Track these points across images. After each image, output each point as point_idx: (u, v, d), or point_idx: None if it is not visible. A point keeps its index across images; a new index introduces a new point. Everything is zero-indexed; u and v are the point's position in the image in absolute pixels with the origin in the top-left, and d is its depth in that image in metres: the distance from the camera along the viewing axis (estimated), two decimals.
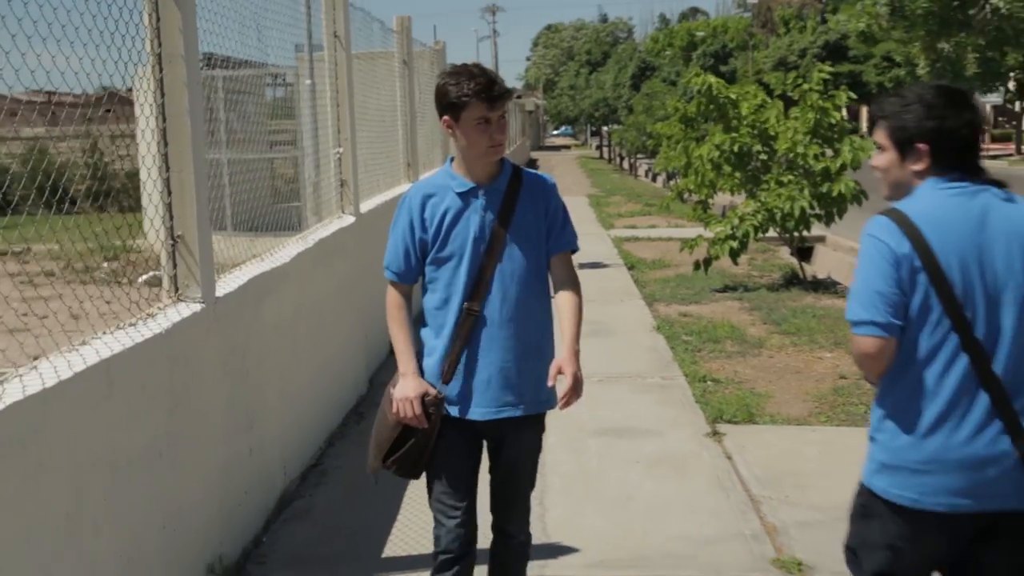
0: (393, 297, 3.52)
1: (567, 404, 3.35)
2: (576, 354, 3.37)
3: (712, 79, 12.58)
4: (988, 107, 52.50)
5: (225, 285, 4.65)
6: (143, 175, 4.24)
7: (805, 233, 12.90)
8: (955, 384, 2.72)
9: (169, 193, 4.22)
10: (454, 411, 3.43)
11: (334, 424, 6.57)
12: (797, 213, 11.84)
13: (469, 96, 3.25)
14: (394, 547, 4.85)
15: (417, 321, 3.50)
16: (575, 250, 3.55)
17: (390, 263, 3.51)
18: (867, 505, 2.90)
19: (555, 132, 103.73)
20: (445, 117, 3.35)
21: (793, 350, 9.17)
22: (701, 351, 9.05)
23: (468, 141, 3.33)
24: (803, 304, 11.35)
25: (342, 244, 7.07)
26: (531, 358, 3.43)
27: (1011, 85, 44.55)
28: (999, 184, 2.84)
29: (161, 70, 4.18)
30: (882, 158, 2.88)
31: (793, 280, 13.06)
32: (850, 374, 8.19)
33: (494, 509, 3.60)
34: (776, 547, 4.78)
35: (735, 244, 11.78)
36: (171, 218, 4.23)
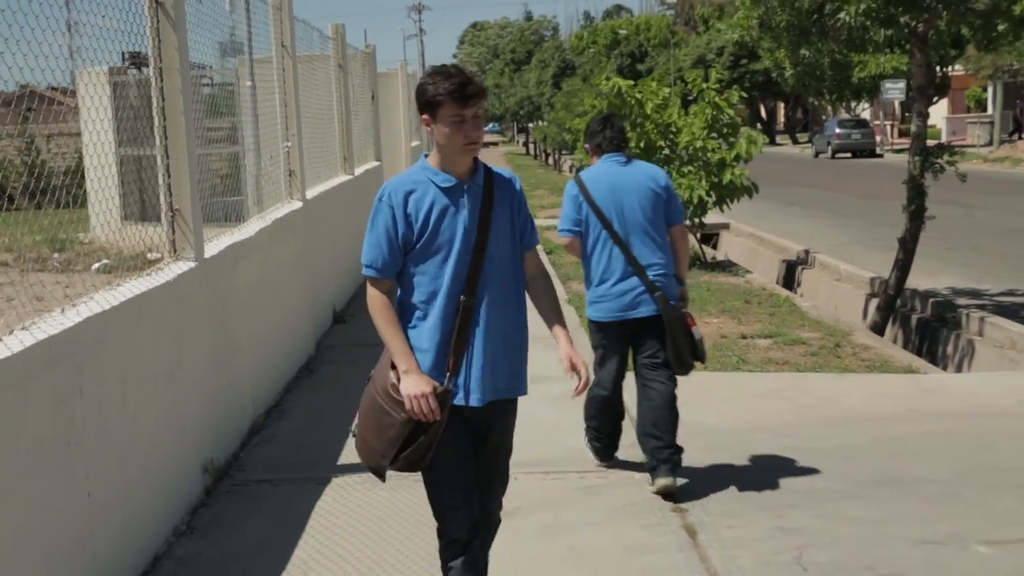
0: (377, 296, 3.51)
1: (580, 393, 3.71)
2: (567, 335, 3.68)
3: (621, 82, 13.93)
4: (896, 103, 54.59)
5: (209, 250, 5.86)
6: (89, 169, 4.88)
7: (710, 221, 14.29)
8: (615, 257, 5.43)
9: (168, 176, 5.42)
10: (458, 400, 3.51)
11: (290, 375, 7.79)
12: (696, 200, 13.26)
13: (443, 95, 3.35)
14: (345, 459, 6.06)
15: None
16: (538, 242, 3.79)
17: (372, 261, 3.51)
18: (591, 329, 5.69)
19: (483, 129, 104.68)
20: (424, 115, 3.46)
21: None
22: None
23: (445, 138, 3.42)
24: (700, 281, 12.76)
25: (293, 224, 8.27)
26: (513, 344, 3.58)
27: (912, 82, 46.85)
28: (629, 159, 5.73)
29: (161, 80, 5.38)
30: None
31: (695, 262, 14.46)
32: (730, 334, 9.60)
33: (478, 489, 3.64)
34: None
35: None
36: (170, 195, 5.43)
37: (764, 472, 5.72)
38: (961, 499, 5.32)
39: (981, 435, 6.43)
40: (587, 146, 5.81)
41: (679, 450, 5.41)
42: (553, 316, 3.67)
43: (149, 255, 5.88)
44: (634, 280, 5.38)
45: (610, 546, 4.78)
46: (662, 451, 5.32)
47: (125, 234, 8.32)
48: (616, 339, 5.57)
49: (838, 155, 45.01)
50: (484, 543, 3.70)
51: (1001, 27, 9.31)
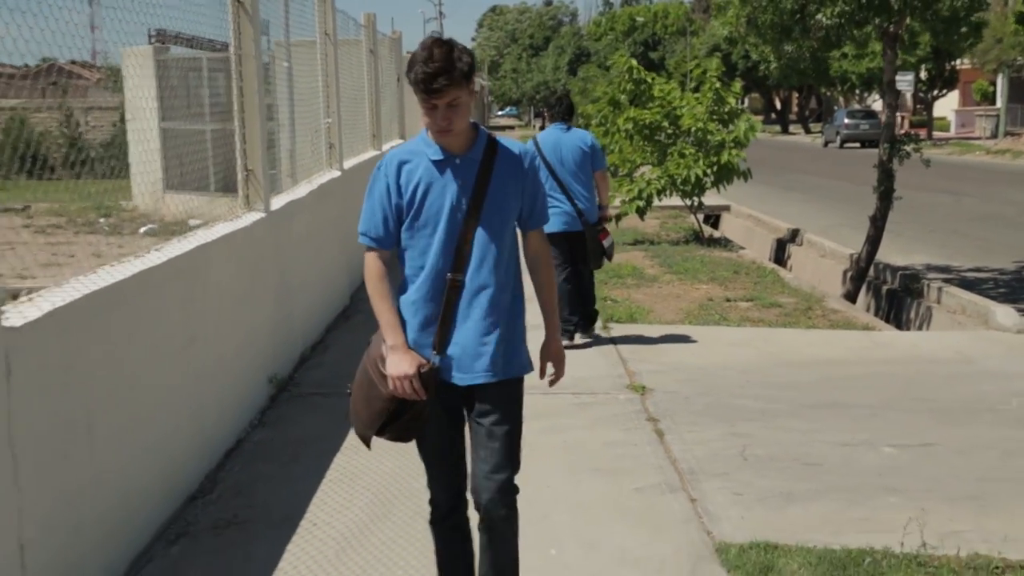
0: (372, 266, 3.50)
1: (555, 383, 3.77)
2: (559, 330, 3.73)
3: (633, 62, 15.16)
4: (908, 95, 55.49)
5: (274, 204, 7.12)
6: (132, 142, 5.74)
7: (713, 203, 15.43)
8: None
9: (244, 142, 6.67)
10: (443, 377, 3.48)
11: (329, 319, 9.06)
12: (693, 179, 14.48)
13: (413, 83, 3.31)
14: None
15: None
16: (547, 222, 3.73)
17: (367, 229, 3.49)
18: None
19: (500, 112, 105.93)
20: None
21: (678, 283, 11.78)
22: (607, 284, 11.60)
23: (423, 118, 3.40)
24: (696, 254, 13.98)
25: (332, 190, 9.53)
26: (506, 324, 3.49)
27: (923, 75, 47.88)
28: (569, 127, 8.21)
29: (240, 64, 6.62)
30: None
31: (694, 238, 15.69)
32: (716, 297, 10.84)
33: (473, 482, 3.58)
34: (630, 379, 7.35)
35: (641, 203, 14.44)
36: (245, 158, 6.69)
37: (726, 397, 6.97)
38: (882, 418, 6.55)
39: (913, 376, 7.67)
40: (545, 113, 8.48)
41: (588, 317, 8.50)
42: (545, 303, 3.68)
43: (190, 222, 6.73)
44: (568, 206, 8.05)
45: (595, 441, 6.04)
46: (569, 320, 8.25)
47: (167, 202, 9.46)
48: (561, 245, 7.95)
49: (847, 144, 46.04)
50: (490, 545, 3.63)
51: (963, 29, 10.49)
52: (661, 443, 6.00)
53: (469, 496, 3.61)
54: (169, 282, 4.90)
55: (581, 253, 8.24)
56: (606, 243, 8.34)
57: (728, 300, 10.73)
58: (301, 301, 7.80)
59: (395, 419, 3.45)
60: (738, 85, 15.12)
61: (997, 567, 4.28)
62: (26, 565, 3.41)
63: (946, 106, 57.01)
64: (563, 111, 8.28)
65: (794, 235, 16.37)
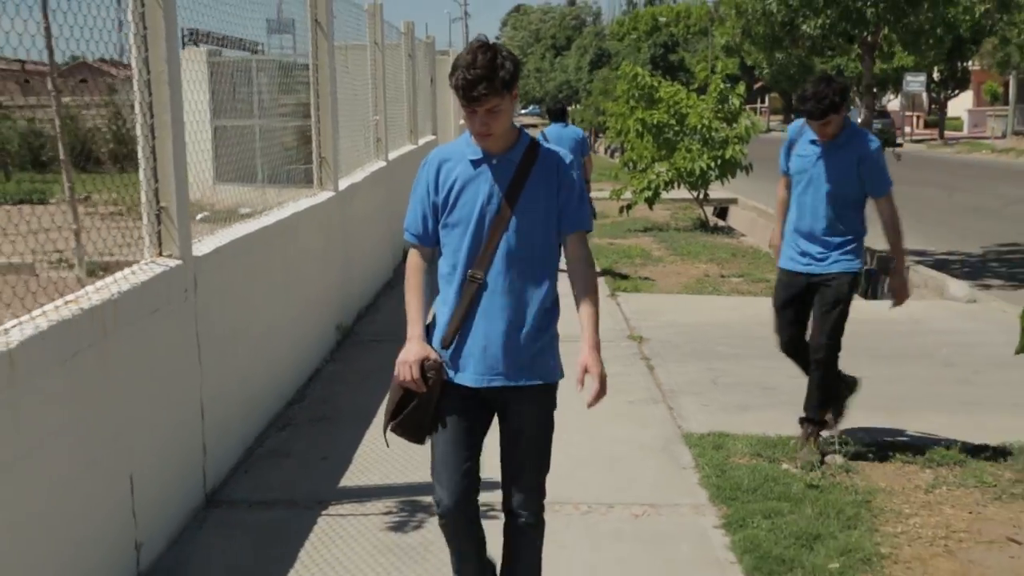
0: (412, 260, 3.55)
1: (595, 403, 3.45)
2: (598, 348, 3.46)
3: (638, 69, 16.72)
4: (924, 95, 56.65)
5: (341, 185, 8.72)
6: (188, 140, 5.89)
7: (721, 196, 16.89)
8: None
9: (319, 134, 8.28)
10: (454, 377, 3.45)
11: (378, 287, 10.68)
12: (698, 171, 16.02)
13: (454, 87, 3.31)
14: None
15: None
16: (589, 230, 3.60)
17: (409, 225, 3.55)
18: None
19: (523, 111, 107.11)
20: None
21: (680, 263, 13.36)
22: (618, 263, 13.19)
23: (465, 120, 3.41)
24: (700, 240, 15.53)
25: (380, 178, 11.14)
26: (533, 330, 3.43)
27: (935, 75, 49.11)
28: (567, 124, 11.72)
29: (317, 72, 8.23)
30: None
31: (700, 227, 17.24)
32: (712, 274, 12.40)
33: (503, 485, 3.58)
34: (631, 331, 8.93)
35: (650, 194, 16.01)
36: (320, 147, 8.30)
37: (707, 345, 8.54)
38: None
39: (867, 333, 9.18)
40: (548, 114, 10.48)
41: None
42: (583, 313, 3.48)
43: (240, 210, 7.50)
44: None
45: None
46: None
47: (217, 192, 10.91)
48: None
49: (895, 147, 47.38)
50: (516, 553, 3.65)
51: (931, 40, 12.00)
52: (651, 374, 7.57)
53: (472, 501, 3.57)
54: (275, 239, 6.51)
55: None
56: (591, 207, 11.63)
57: (723, 276, 12.30)
58: (358, 267, 9.41)
59: (400, 412, 3.46)
60: (742, 87, 16.64)
61: (889, 453, 5.84)
62: (205, 420, 5.02)
63: (961, 106, 58.23)
64: (559, 115, 12.02)
65: None
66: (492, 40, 3.38)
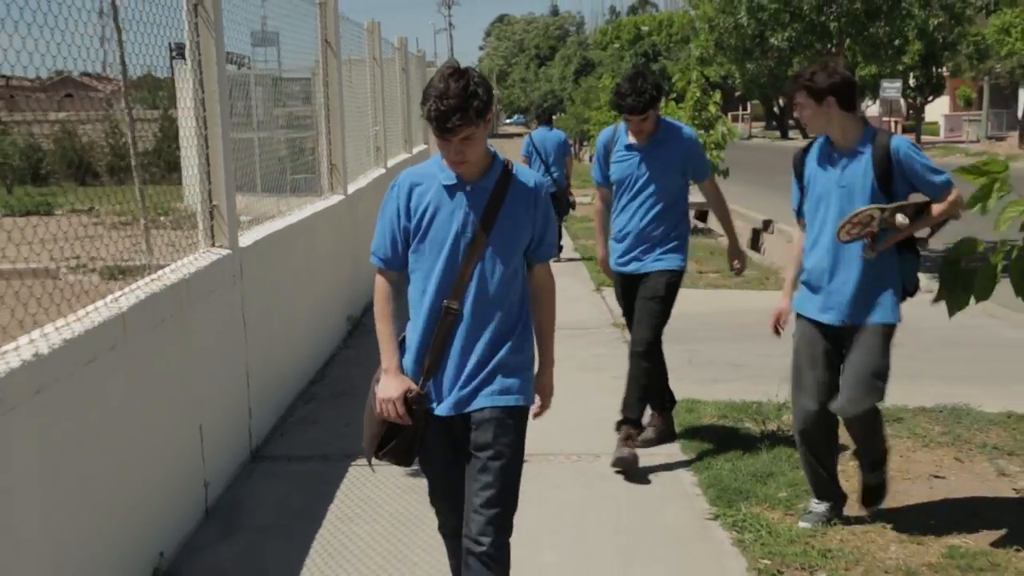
0: (381, 287, 3.51)
1: (539, 415, 3.59)
2: (551, 365, 3.60)
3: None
4: (902, 102, 57.71)
5: (350, 189, 9.58)
6: (184, 153, 6.14)
7: (701, 200, 17.70)
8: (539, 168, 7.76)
9: (330, 144, 9.14)
10: (436, 408, 3.42)
11: None
12: None
13: (426, 118, 3.26)
14: None
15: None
16: (557, 258, 4.53)
17: (376, 249, 3.49)
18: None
19: (508, 121, 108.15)
20: None
21: None
22: None
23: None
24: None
25: (381, 183, 12.00)
26: (507, 356, 3.40)
27: (911, 81, 50.22)
28: (551, 128, 13.93)
29: (326, 87, 9.09)
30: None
31: None
32: (690, 271, 13.24)
33: (465, 513, 3.43)
34: (615, 320, 9.81)
35: None
36: (330, 154, 9.16)
37: (684, 330, 9.38)
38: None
39: None
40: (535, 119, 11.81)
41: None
42: (542, 336, 3.60)
43: (242, 218, 8.85)
44: (548, 178, 11.81)
45: (586, 353, 8.49)
46: None
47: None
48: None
49: None
50: (482, 572, 3.39)
51: (890, 51, 12.96)
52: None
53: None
54: (298, 236, 7.37)
55: (556, 208, 10.96)
56: (571, 199, 13.96)
57: (700, 272, 13.19)
58: (365, 265, 10.24)
59: (388, 443, 3.45)
60: (718, 95, 17.56)
61: None
62: (250, 387, 5.88)
63: (938, 111, 59.39)
64: (546, 119, 14.38)
65: (767, 224, 18.83)
66: (466, 66, 3.34)
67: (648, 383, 5.93)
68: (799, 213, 4.94)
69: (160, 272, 4.84)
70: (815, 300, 4.77)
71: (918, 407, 6.79)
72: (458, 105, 3.17)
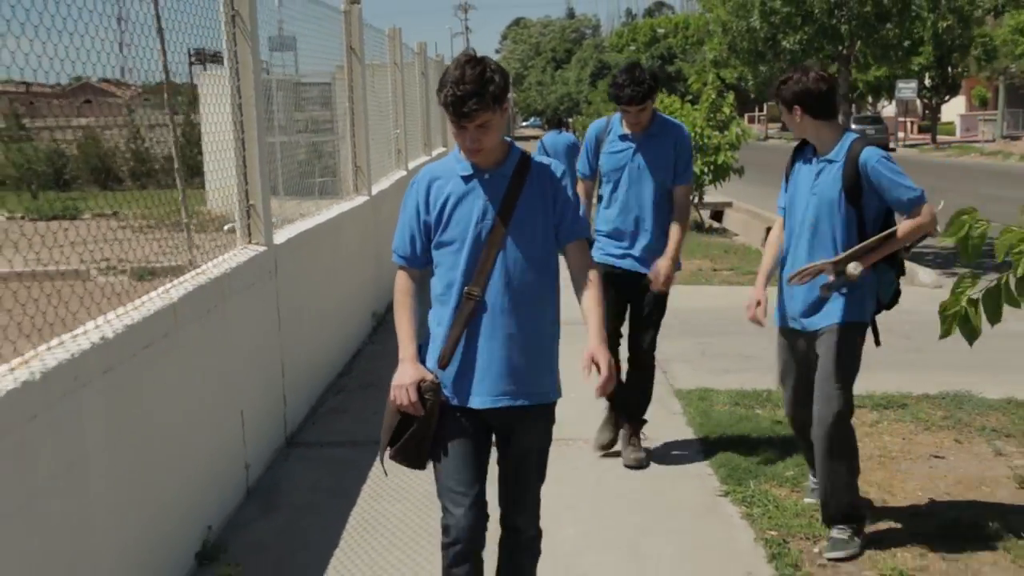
0: (401, 282, 3.49)
1: (604, 392, 3.37)
2: (605, 341, 3.36)
3: None
4: (918, 102, 57.86)
5: (375, 190, 9.92)
6: (208, 154, 6.04)
7: (718, 200, 18.08)
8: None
9: (355, 147, 9.48)
10: (454, 399, 3.38)
11: None
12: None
13: (442, 104, 3.26)
14: None
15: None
16: (589, 239, 3.57)
17: (397, 247, 3.48)
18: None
19: (524, 123, 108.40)
20: None
21: None
22: None
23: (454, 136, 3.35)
24: (695, 240, 16.69)
25: (402, 185, 12.34)
26: (534, 348, 3.37)
27: (927, 81, 50.36)
28: (561, 132, 13.95)
29: (352, 92, 9.43)
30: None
31: (696, 228, 18.43)
32: (705, 268, 13.59)
33: (502, 503, 3.52)
34: None
35: None
36: (355, 157, 9.50)
37: (698, 325, 9.73)
38: None
39: None
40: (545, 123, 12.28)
41: None
42: (591, 314, 3.41)
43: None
44: None
45: None
46: None
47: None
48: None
49: None
50: (519, 567, 3.61)
51: (899, 52, 13.23)
52: None
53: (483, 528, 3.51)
54: (327, 235, 7.71)
55: None
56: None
57: (715, 270, 13.49)
58: (388, 263, 10.57)
59: (399, 437, 3.41)
60: (731, 96, 17.86)
61: None
62: (285, 377, 6.22)
63: (954, 111, 59.48)
64: (556, 124, 15.01)
65: None
66: (482, 55, 3.34)
67: (650, 385, 6.03)
68: (782, 209, 4.85)
69: (204, 266, 5.17)
70: (783, 307, 4.78)
71: (922, 394, 7.07)
72: (474, 90, 3.17)
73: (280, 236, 6.46)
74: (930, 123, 53.18)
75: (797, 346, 4.79)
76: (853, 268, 4.40)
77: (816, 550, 4.65)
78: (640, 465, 5.82)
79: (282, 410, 6.19)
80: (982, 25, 14.94)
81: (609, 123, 5.83)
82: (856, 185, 4.44)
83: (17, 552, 3.02)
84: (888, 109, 60.00)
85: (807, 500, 5.15)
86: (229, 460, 5.17)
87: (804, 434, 4.88)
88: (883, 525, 4.89)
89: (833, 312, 4.55)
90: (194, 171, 11.26)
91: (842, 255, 4.44)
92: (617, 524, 5.04)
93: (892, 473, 5.59)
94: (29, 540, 3.10)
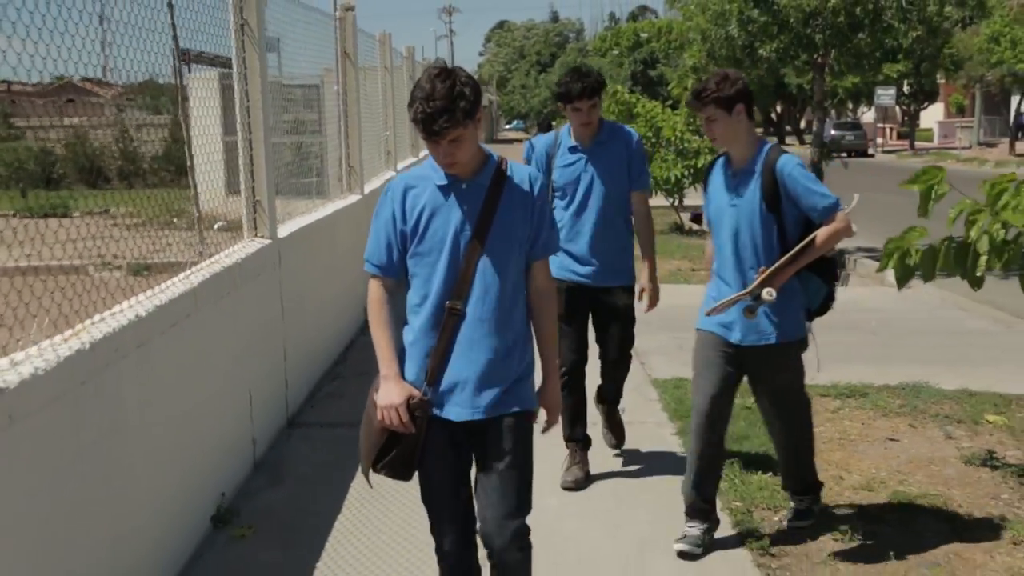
0: (375, 293, 3.40)
1: (547, 430, 3.58)
2: (556, 381, 3.52)
3: (618, 87, 18.45)
4: (897, 109, 58.59)
5: (367, 189, 10.35)
6: (197, 154, 6.46)
7: (697, 203, 18.53)
8: None
9: (348, 147, 9.91)
10: (437, 411, 3.34)
11: None
12: (673, 179, 17.71)
13: (413, 120, 3.21)
14: None
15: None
16: (556, 252, 3.56)
17: (370, 255, 3.40)
18: None
19: (507, 126, 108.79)
20: None
21: (657, 260, 15.02)
22: None
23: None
24: (675, 241, 17.23)
25: None
26: (509, 358, 3.35)
27: (905, 88, 51.08)
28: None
29: (346, 95, 9.86)
30: None
31: (676, 229, 18.93)
32: (684, 268, 14.07)
33: (483, 522, 3.40)
34: None
35: None
36: (348, 157, 9.93)
37: (675, 321, 10.17)
38: None
39: None
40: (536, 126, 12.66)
41: None
42: (544, 344, 3.52)
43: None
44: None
45: None
46: None
47: (228, 204, 12.41)
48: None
49: (834, 154, 49.22)
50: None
51: (871, 62, 13.77)
52: None
53: (478, 539, 3.49)
54: (324, 230, 8.15)
55: None
56: None
57: (693, 270, 13.97)
58: None
59: (387, 454, 3.36)
60: None
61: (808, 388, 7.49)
62: (287, 362, 6.65)
63: (933, 118, 60.27)
64: (545, 127, 14.15)
65: None
66: (453, 66, 3.28)
67: (622, 378, 6.07)
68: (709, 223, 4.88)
69: (216, 256, 5.60)
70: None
71: (883, 385, 7.55)
72: (444, 107, 3.11)
73: (282, 231, 6.88)
74: (908, 129, 53.91)
75: (721, 348, 4.82)
76: (767, 295, 4.40)
77: (776, 518, 5.11)
78: (616, 445, 6.15)
79: (284, 393, 6.61)
80: (950, 36, 15.52)
81: (557, 137, 5.68)
82: (774, 194, 4.48)
83: (69, 501, 3.44)
84: (868, 115, 60.69)
85: (679, 547, 4.76)
86: (239, 434, 5.60)
87: (708, 440, 4.81)
88: (839, 498, 5.36)
89: (771, 331, 4.62)
90: (180, 171, 11.61)
91: (753, 283, 4.46)
92: (596, 495, 5.50)
93: (850, 453, 6.06)
94: (80, 491, 3.53)
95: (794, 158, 4.56)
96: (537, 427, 3.51)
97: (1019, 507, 5.23)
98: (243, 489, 5.53)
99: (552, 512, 5.22)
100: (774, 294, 4.40)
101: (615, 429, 6.24)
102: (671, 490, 5.51)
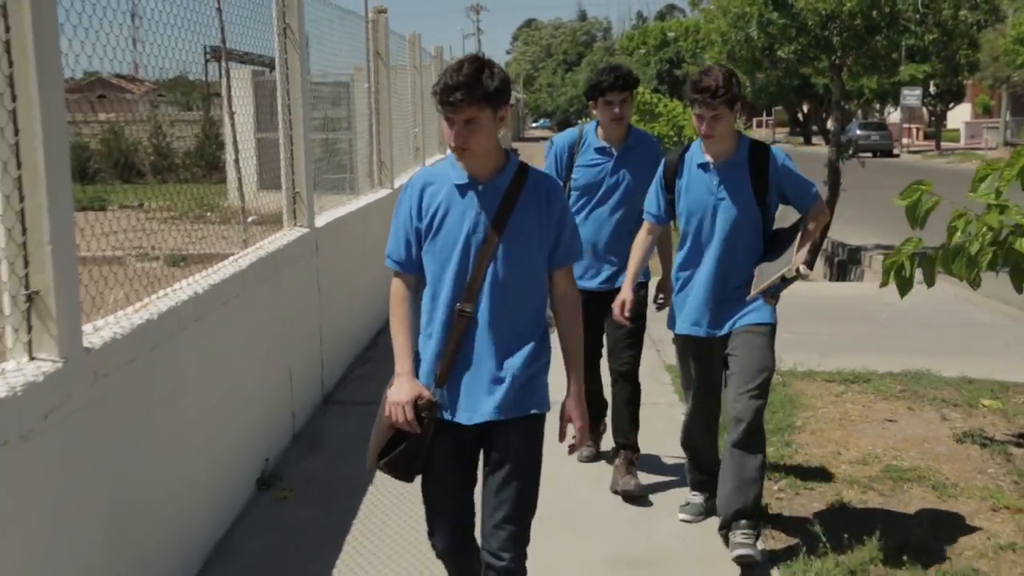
0: (396, 289, 3.41)
1: (574, 452, 3.51)
2: (581, 394, 3.39)
3: (641, 88, 18.87)
4: (924, 110, 58.59)
5: (396, 183, 10.81)
6: (230, 149, 6.44)
7: None
8: None
9: (379, 143, 10.36)
10: (446, 415, 3.31)
11: None
12: None
13: (433, 94, 3.20)
14: None
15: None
16: (580, 259, 3.49)
17: (391, 251, 3.40)
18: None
19: (534, 124, 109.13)
20: None
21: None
22: None
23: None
24: None
25: None
26: (524, 363, 3.30)
27: (932, 89, 51.13)
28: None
29: (377, 94, 10.32)
30: None
31: None
32: None
33: (483, 525, 3.37)
34: None
35: None
36: (379, 152, 10.39)
37: None
38: (794, 321, 10.10)
39: (828, 304, 11.27)
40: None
41: None
42: (568, 354, 3.44)
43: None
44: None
45: None
46: None
47: (260, 199, 12.81)
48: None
49: (859, 154, 49.36)
50: None
51: (887, 63, 14.14)
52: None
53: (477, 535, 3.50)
54: (358, 221, 8.61)
55: None
56: None
57: None
58: None
59: (391, 450, 3.34)
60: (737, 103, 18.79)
61: (814, 373, 7.89)
62: (322, 343, 7.12)
63: (960, 118, 60.27)
64: (566, 124, 14.49)
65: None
66: (488, 58, 3.29)
67: (636, 404, 5.87)
68: (659, 218, 4.93)
69: (261, 243, 6.07)
70: (691, 314, 4.87)
71: (886, 372, 7.94)
72: (466, 83, 3.09)
73: (319, 221, 7.34)
74: (934, 130, 53.97)
75: (703, 353, 4.91)
76: (804, 270, 4.39)
77: (776, 488, 5.53)
78: (635, 493, 5.47)
79: (320, 372, 7.08)
80: (966, 40, 15.83)
81: (582, 134, 5.54)
82: (763, 184, 4.55)
83: (137, 455, 3.91)
84: (894, 116, 60.71)
85: (682, 516, 5.15)
86: (280, 407, 6.07)
87: (703, 455, 5.08)
88: (835, 470, 5.78)
89: (758, 313, 4.70)
90: (212, 166, 12.00)
91: (796, 261, 4.40)
92: (608, 468, 5.93)
93: (849, 432, 6.47)
94: (151, 444, 4.00)
95: (781, 151, 4.70)
96: (563, 445, 3.48)
97: (1003, 480, 5.63)
98: (284, 458, 6.00)
99: (567, 478, 5.65)
100: (809, 268, 4.44)
101: (633, 475, 5.67)
102: (678, 465, 5.95)
